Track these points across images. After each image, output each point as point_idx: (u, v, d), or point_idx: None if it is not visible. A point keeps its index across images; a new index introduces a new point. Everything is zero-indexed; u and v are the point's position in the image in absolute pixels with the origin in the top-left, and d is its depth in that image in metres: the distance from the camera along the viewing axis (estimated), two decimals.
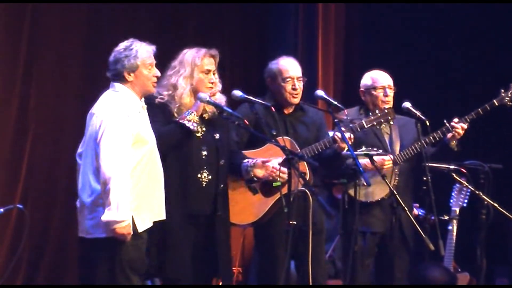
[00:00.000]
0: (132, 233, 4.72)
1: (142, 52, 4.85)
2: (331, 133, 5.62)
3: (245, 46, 7.61)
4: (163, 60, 5.20)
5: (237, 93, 5.39)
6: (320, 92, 5.75)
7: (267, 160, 5.39)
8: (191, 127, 5.16)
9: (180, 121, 5.16)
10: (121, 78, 4.85)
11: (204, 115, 5.30)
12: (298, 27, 7.79)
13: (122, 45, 4.88)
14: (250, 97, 5.38)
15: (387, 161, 5.73)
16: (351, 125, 5.60)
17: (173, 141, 5.15)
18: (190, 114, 5.17)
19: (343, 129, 5.49)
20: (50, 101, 6.78)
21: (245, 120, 5.24)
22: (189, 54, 5.30)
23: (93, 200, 4.76)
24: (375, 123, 5.68)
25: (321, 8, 7.80)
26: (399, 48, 7.79)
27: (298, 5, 7.81)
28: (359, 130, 5.64)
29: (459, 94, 7.74)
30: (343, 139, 5.43)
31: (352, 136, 5.54)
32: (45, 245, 6.77)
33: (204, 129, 5.30)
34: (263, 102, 5.47)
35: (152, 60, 4.89)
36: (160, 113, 5.18)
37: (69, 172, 6.57)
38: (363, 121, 5.65)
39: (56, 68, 6.81)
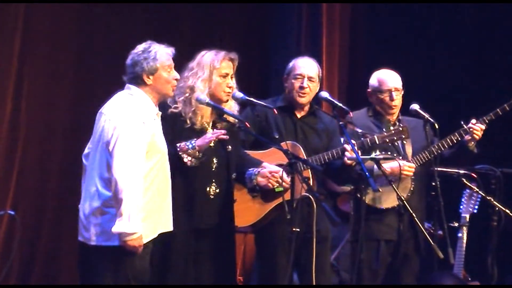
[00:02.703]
0: (143, 244, 4.61)
1: (162, 54, 4.73)
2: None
3: (246, 47, 7.49)
4: None
5: (238, 94, 5.26)
6: (324, 94, 5.64)
7: (275, 171, 5.25)
8: (188, 163, 5.02)
9: (180, 152, 5.00)
10: (139, 81, 4.72)
11: (217, 125, 5.19)
12: (302, 27, 7.72)
13: (140, 47, 4.75)
14: (252, 99, 5.27)
15: (408, 166, 5.63)
16: (362, 139, 5.51)
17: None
18: (193, 148, 5.01)
19: (353, 141, 5.38)
20: (42, 102, 6.70)
21: (248, 123, 5.12)
22: (208, 56, 5.18)
23: (99, 206, 4.60)
24: (387, 140, 5.58)
25: (325, 8, 7.73)
26: (405, 48, 7.72)
27: (302, 5, 7.74)
28: (370, 145, 5.54)
29: (468, 94, 7.65)
30: (353, 150, 5.31)
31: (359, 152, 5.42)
32: (36, 251, 6.68)
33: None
34: (265, 104, 5.37)
35: (171, 62, 4.77)
36: (169, 127, 5.02)
37: (61, 177, 6.64)
38: (375, 137, 5.56)
39: (49, 69, 6.73)
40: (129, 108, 4.65)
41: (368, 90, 5.90)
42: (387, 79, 5.84)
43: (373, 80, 5.88)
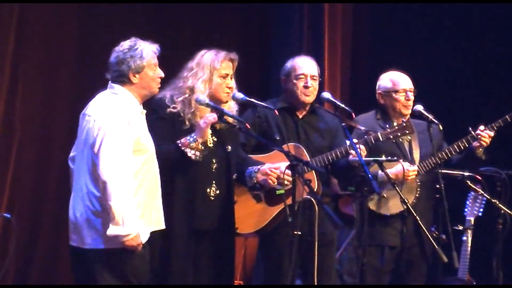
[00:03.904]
0: (142, 242, 4.55)
1: (147, 52, 4.64)
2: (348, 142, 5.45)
3: (247, 47, 7.42)
4: (160, 61, 4.94)
5: (239, 95, 5.18)
6: (326, 95, 5.56)
7: (275, 168, 5.17)
8: (192, 156, 4.95)
9: (182, 148, 4.94)
10: (124, 80, 4.63)
11: (215, 125, 5.11)
12: (303, 27, 7.67)
13: (125, 45, 4.66)
14: (252, 100, 5.20)
15: (411, 171, 5.56)
16: (365, 136, 5.43)
17: (169, 163, 4.91)
18: (195, 141, 4.95)
19: (355, 140, 5.31)
20: (38, 102, 6.63)
21: (248, 125, 5.02)
22: (208, 56, 5.10)
23: (94, 209, 4.53)
24: (391, 136, 5.50)
25: (327, 8, 7.68)
26: (408, 48, 7.69)
27: (303, 5, 7.70)
28: (373, 142, 5.45)
29: (472, 95, 7.62)
30: (355, 151, 5.23)
31: (364, 149, 5.34)
32: (33, 255, 6.61)
33: (215, 139, 5.10)
34: (266, 105, 5.30)
35: (156, 60, 4.69)
36: (169, 127, 4.98)
37: (58, 178, 6.60)
38: (378, 134, 5.47)
39: (44, 68, 6.66)
40: (113, 108, 4.57)
41: (378, 92, 5.82)
42: (401, 79, 5.79)
43: (385, 82, 5.81)
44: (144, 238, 4.58)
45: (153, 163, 4.68)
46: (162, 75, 4.73)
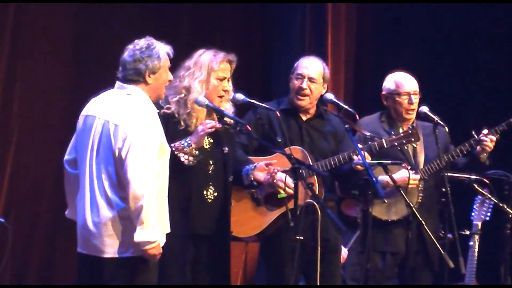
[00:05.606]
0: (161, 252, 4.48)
1: (163, 53, 4.56)
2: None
3: (249, 48, 7.46)
4: None
5: (239, 96, 5.11)
6: (329, 96, 5.46)
7: (270, 163, 5.10)
8: (185, 162, 4.88)
9: (176, 152, 4.85)
10: (138, 79, 4.51)
11: None
12: (306, 27, 7.63)
13: (142, 43, 4.54)
14: (253, 101, 5.13)
15: (412, 179, 5.48)
16: (370, 143, 5.36)
17: None
18: (189, 146, 4.87)
19: (360, 146, 5.25)
20: (35, 104, 6.58)
21: (249, 127, 4.96)
22: (206, 57, 5.03)
23: (114, 216, 4.41)
24: (396, 144, 5.43)
25: (330, 8, 7.65)
26: (413, 48, 7.65)
27: (305, 5, 7.66)
28: (378, 149, 5.37)
29: (478, 95, 7.58)
30: (360, 155, 5.13)
31: (368, 155, 5.28)
32: (29, 262, 6.56)
33: (211, 141, 5.02)
34: (267, 106, 5.23)
35: (169, 63, 4.61)
36: (163, 129, 4.83)
37: (56, 182, 6.46)
38: (383, 140, 5.40)
39: (42, 70, 6.61)
40: (137, 111, 4.45)
41: (383, 93, 5.76)
42: (405, 82, 5.71)
43: (390, 83, 5.73)
44: (162, 243, 4.50)
45: (167, 163, 4.59)
46: (172, 78, 4.66)
